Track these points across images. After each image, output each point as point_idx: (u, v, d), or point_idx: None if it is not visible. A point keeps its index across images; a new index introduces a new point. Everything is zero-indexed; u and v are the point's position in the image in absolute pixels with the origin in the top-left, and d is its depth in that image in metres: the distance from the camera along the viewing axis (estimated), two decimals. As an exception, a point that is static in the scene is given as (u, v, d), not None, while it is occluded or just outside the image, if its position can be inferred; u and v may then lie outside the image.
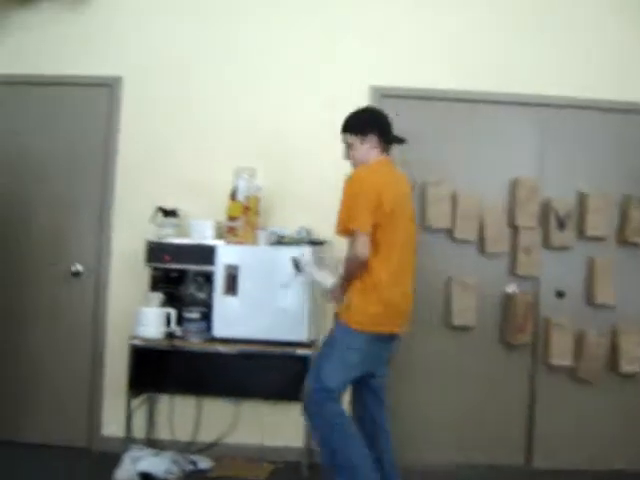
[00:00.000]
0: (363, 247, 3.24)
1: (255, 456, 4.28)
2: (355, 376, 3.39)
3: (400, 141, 3.59)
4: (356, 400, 3.59)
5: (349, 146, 3.50)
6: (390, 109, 4.29)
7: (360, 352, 3.33)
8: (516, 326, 4.32)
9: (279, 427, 4.34)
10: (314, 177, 4.36)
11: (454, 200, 4.33)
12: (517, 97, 4.39)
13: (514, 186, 4.37)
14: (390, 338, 3.47)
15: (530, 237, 4.36)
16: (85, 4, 4.53)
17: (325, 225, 4.14)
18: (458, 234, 4.32)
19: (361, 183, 3.32)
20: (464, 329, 4.36)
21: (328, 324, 4.22)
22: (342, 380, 3.35)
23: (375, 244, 3.28)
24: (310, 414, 3.35)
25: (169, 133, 4.42)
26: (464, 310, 4.33)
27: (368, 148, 3.46)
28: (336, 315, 3.46)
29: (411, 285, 3.50)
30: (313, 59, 4.46)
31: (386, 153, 3.52)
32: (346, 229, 3.31)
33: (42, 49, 4.56)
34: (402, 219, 3.39)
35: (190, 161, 4.39)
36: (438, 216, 4.32)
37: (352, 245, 3.30)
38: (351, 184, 3.34)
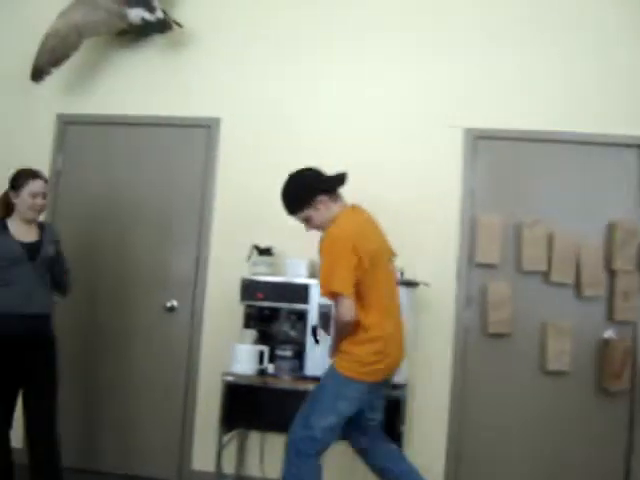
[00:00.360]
0: (349, 310, 3.14)
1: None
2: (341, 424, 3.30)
3: (342, 179, 3.46)
4: (362, 454, 3.56)
5: (307, 221, 3.38)
6: (484, 150, 4.35)
7: (353, 401, 3.25)
8: (613, 372, 4.17)
9: (368, 469, 4.28)
10: (407, 219, 4.35)
11: (550, 242, 4.25)
12: (614, 138, 4.30)
13: (611, 229, 4.26)
14: (382, 384, 3.40)
15: (628, 281, 4.23)
16: (181, 47, 4.71)
17: (419, 267, 4.20)
18: (554, 277, 4.23)
19: (335, 244, 3.20)
20: (559, 374, 4.24)
21: (421, 366, 4.24)
22: (330, 429, 3.25)
23: (361, 298, 3.20)
24: (289, 459, 3.25)
25: (265, 172, 4.49)
26: (559, 355, 4.22)
27: (324, 210, 3.34)
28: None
29: (401, 327, 3.42)
30: (408, 101, 4.48)
31: (339, 199, 3.41)
32: (329, 292, 3.19)
33: (140, 91, 4.76)
34: (381, 262, 3.31)
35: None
36: (534, 258, 4.25)
37: (337, 308, 3.19)
38: (327, 246, 3.22)
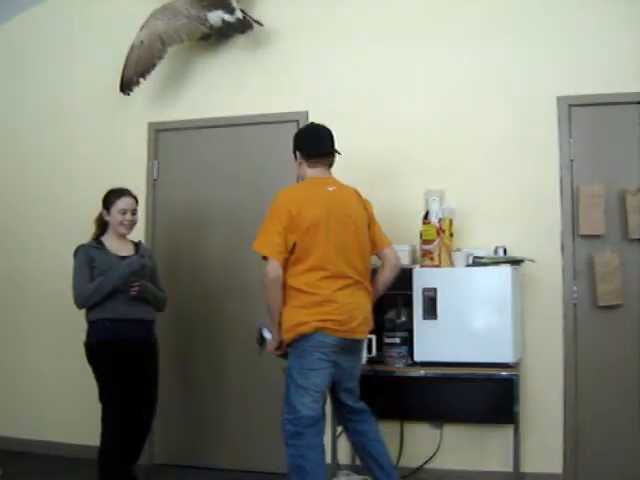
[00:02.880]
0: (272, 270, 3.32)
1: (459, 482, 4.23)
2: (321, 392, 3.34)
3: (317, 152, 3.55)
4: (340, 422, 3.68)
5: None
6: (579, 118, 4.22)
7: (316, 364, 3.31)
8: None
9: (484, 451, 4.24)
10: (505, 194, 4.29)
11: (657, 207, 4.10)
12: None
13: None
14: (343, 349, 3.39)
15: None
16: (263, 45, 4.76)
17: (521, 243, 4.13)
18: (664, 242, 4.09)
19: (273, 206, 3.42)
20: (679, 344, 4.09)
21: (530, 344, 4.16)
22: (310, 403, 3.29)
23: (299, 260, 3.32)
24: (286, 445, 3.34)
25: (356, 161, 4.48)
26: (677, 324, 4.08)
27: (300, 169, 3.60)
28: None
29: (355, 292, 3.44)
30: (498, 75, 4.40)
31: (324, 167, 3.55)
32: (256, 252, 3.40)
33: (226, 92, 4.86)
34: (328, 228, 3.37)
35: (379, 187, 4.42)
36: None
37: (264, 268, 3.35)
38: (269, 207, 3.44)
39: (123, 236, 3.96)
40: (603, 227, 4.16)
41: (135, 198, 3.98)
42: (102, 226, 3.97)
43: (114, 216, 3.89)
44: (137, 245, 4.02)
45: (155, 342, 3.99)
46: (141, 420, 3.90)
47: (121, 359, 3.73)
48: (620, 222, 4.16)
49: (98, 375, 3.76)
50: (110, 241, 3.92)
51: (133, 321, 3.79)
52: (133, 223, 3.96)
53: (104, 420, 3.72)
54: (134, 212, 3.94)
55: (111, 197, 3.92)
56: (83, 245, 3.89)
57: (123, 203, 3.90)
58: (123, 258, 3.83)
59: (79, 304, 3.79)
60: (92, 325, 3.81)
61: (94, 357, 3.77)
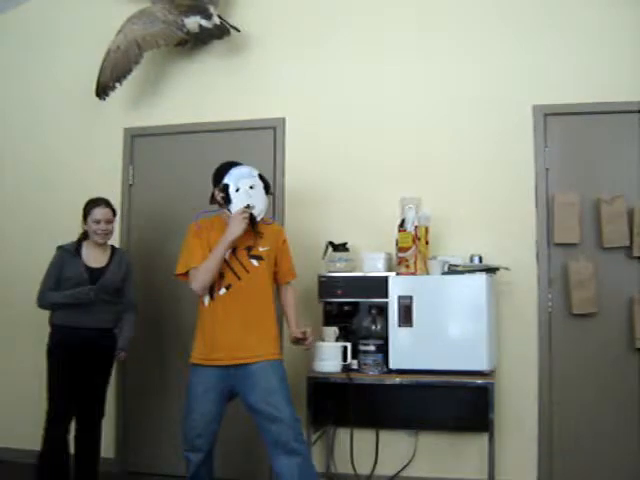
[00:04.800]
0: None
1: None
2: None
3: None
4: None
5: None
6: (555, 127, 4.25)
7: None
8: None
9: (459, 459, 4.24)
10: (481, 202, 4.31)
11: (630, 216, 4.12)
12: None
13: (694, 198, 4.12)
14: None
15: None
16: (240, 51, 4.74)
17: (496, 251, 4.15)
18: (637, 251, 4.10)
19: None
20: (649, 351, 4.13)
21: (505, 352, 4.17)
22: None
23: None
24: (305, 451, 3.52)
25: (332, 169, 4.52)
26: (648, 331, 4.11)
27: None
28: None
29: None
30: (474, 83, 4.41)
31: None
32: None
33: (202, 98, 4.82)
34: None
35: (355, 195, 4.45)
36: (614, 234, 4.12)
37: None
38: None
39: (100, 244, 4.07)
40: (578, 236, 4.18)
41: (111, 208, 4.08)
42: (85, 233, 4.10)
43: (89, 225, 4.02)
44: (113, 253, 4.12)
45: (108, 349, 4.08)
46: (90, 419, 4.04)
47: (68, 363, 3.91)
48: (595, 231, 4.19)
49: (47, 375, 3.96)
50: (88, 247, 4.06)
51: (88, 329, 3.95)
52: (107, 232, 4.06)
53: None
54: (109, 221, 4.04)
55: (87, 207, 4.04)
56: (62, 247, 4.07)
57: (97, 213, 4.01)
58: (92, 270, 3.98)
59: (37, 305, 4.02)
60: (51, 328, 4.02)
61: (48, 359, 3.98)
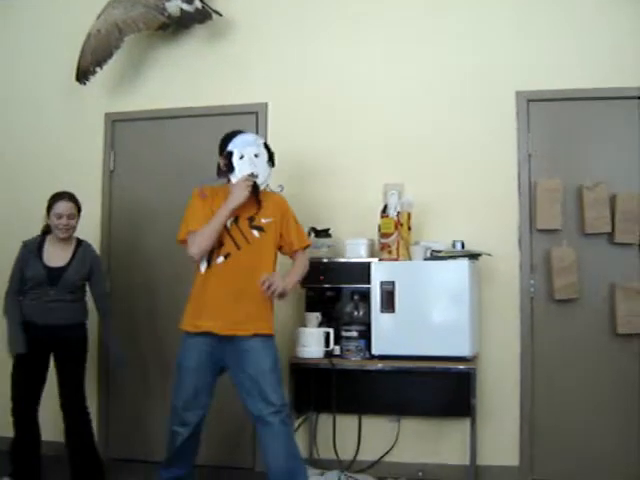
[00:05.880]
0: None
1: (417, 474, 4.22)
2: None
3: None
4: None
5: None
6: (537, 112, 4.25)
7: None
8: (688, 332, 4.08)
9: (441, 444, 4.26)
10: (464, 188, 4.31)
11: (612, 202, 4.14)
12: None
13: (676, 184, 4.14)
14: None
15: (696, 237, 4.11)
16: (222, 36, 4.70)
17: (479, 237, 4.15)
18: (619, 238, 4.12)
19: None
20: (631, 337, 4.13)
21: (487, 337, 4.19)
22: None
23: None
24: (290, 432, 3.53)
25: (315, 154, 4.49)
26: (629, 317, 4.12)
27: None
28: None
29: None
30: (457, 70, 4.40)
31: None
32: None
33: (184, 83, 4.77)
34: None
35: (338, 180, 4.44)
36: (596, 220, 4.13)
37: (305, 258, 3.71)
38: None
39: (63, 239, 3.98)
40: (560, 222, 4.19)
41: (75, 202, 3.99)
42: (49, 225, 4.03)
43: (52, 220, 3.94)
44: (77, 248, 4.03)
45: (76, 339, 4.01)
46: (70, 407, 4.00)
47: (31, 352, 3.87)
48: (577, 217, 4.20)
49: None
50: (51, 243, 4.00)
51: (52, 327, 3.90)
52: (69, 227, 3.96)
53: None
54: (71, 217, 3.95)
55: (50, 201, 3.96)
56: (25, 244, 4.02)
57: (59, 207, 3.92)
58: (52, 269, 3.91)
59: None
60: None
61: None
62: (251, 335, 3.40)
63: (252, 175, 3.43)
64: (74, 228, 4.00)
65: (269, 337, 3.48)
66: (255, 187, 3.43)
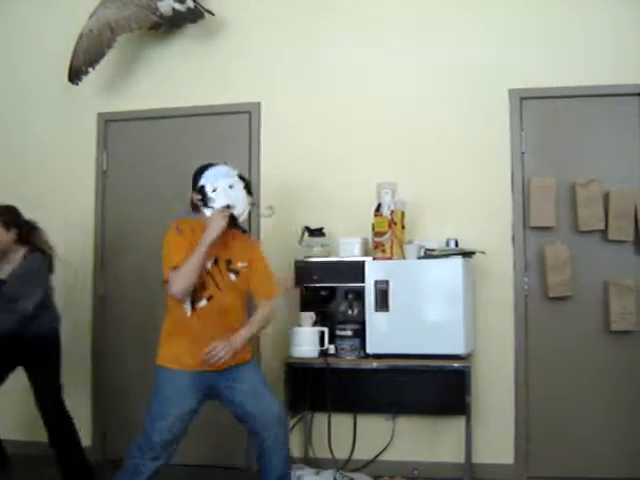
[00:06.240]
0: None
1: (412, 473, 4.22)
2: None
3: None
4: None
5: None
6: (530, 110, 4.25)
7: None
8: (681, 328, 4.09)
9: (437, 443, 4.26)
10: (457, 186, 4.32)
11: (606, 200, 4.14)
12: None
13: (669, 181, 4.15)
14: None
15: (689, 233, 4.12)
16: (214, 35, 4.69)
17: (472, 235, 4.15)
18: (612, 235, 4.13)
19: None
20: (624, 334, 4.14)
21: (482, 335, 4.19)
22: None
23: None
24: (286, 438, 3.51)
25: (308, 153, 4.50)
26: (623, 314, 4.13)
27: None
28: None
29: None
30: (450, 68, 4.40)
31: None
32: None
33: (177, 83, 4.76)
34: None
35: (331, 179, 4.44)
36: (590, 218, 4.14)
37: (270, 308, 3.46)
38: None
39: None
40: (554, 219, 4.20)
41: (3, 223, 3.86)
42: None
43: None
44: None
45: (24, 348, 3.89)
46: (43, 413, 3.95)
47: None
48: (570, 214, 4.21)
49: None
50: None
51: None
52: None
53: None
54: None
55: None
56: None
57: None
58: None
59: None
60: None
61: None
62: (243, 363, 3.34)
63: (228, 207, 3.29)
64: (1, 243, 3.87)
65: (252, 360, 3.45)
66: (232, 218, 3.30)
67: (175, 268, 3.21)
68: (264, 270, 3.47)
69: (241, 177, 3.41)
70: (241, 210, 3.35)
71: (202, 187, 3.34)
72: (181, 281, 3.19)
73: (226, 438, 4.55)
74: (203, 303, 3.27)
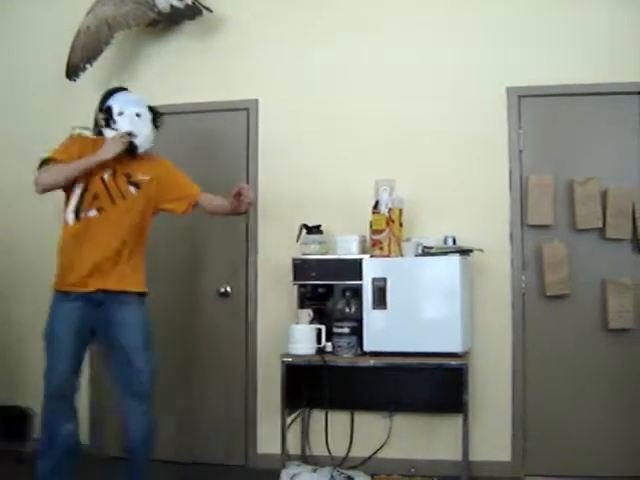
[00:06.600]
0: None
1: (409, 471, 4.21)
2: None
3: None
4: None
5: None
6: (528, 108, 4.26)
7: None
8: (679, 326, 4.09)
9: (434, 440, 4.27)
10: (455, 184, 4.32)
11: (603, 198, 4.14)
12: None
13: (667, 179, 4.14)
14: None
15: (687, 231, 4.12)
16: (212, 32, 4.69)
17: (470, 233, 4.15)
18: (610, 233, 4.13)
19: None
20: (622, 332, 4.14)
21: (479, 333, 4.19)
22: None
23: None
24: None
25: (306, 150, 4.50)
26: (621, 312, 4.13)
27: None
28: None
29: None
30: (449, 65, 4.40)
31: None
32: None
33: (175, 80, 4.74)
34: None
35: (329, 177, 4.44)
36: (588, 216, 4.14)
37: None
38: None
39: None
40: (551, 217, 4.20)
41: None
42: None
43: None
44: None
45: None
46: None
47: None
48: (568, 212, 4.21)
49: None
50: None
51: None
52: None
53: None
54: None
55: None
56: None
57: None
58: None
59: None
60: None
61: None
62: (128, 295, 3.28)
63: (130, 134, 3.24)
64: None
65: (143, 295, 3.37)
66: (132, 146, 3.25)
67: (50, 161, 3.19)
68: (182, 177, 3.52)
69: (151, 109, 3.37)
70: (142, 140, 3.30)
71: (109, 107, 3.29)
72: (53, 175, 3.16)
73: (223, 435, 4.56)
74: (92, 213, 3.21)
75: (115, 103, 3.30)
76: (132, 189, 3.28)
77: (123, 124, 3.26)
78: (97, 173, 3.24)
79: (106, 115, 3.29)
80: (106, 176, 3.22)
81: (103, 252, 3.22)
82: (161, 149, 4.65)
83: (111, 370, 3.35)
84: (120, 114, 3.27)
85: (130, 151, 3.26)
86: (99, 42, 4.49)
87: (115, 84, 4.71)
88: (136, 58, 4.80)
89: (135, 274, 3.36)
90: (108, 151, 3.17)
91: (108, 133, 3.27)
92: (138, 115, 3.31)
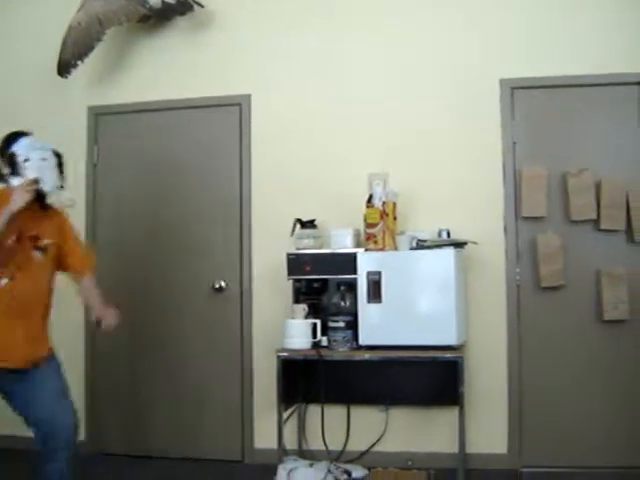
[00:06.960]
0: None
1: (406, 464, 4.21)
2: None
3: None
4: None
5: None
6: (521, 100, 4.26)
7: None
8: (674, 317, 4.09)
9: (430, 433, 4.27)
10: (449, 177, 4.31)
11: (597, 189, 4.14)
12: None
13: (660, 170, 4.14)
14: None
15: (681, 221, 4.12)
16: (204, 27, 4.68)
17: (464, 226, 4.15)
18: (604, 224, 4.13)
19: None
20: (617, 323, 4.14)
21: (474, 326, 4.19)
22: None
23: None
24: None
25: (299, 145, 4.49)
26: (615, 303, 4.13)
27: None
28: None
29: None
30: (442, 58, 4.39)
31: None
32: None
33: (167, 75, 4.75)
34: None
35: (322, 171, 4.44)
36: (582, 207, 4.14)
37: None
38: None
39: None
40: (545, 209, 4.20)
41: None
42: None
43: None
44: None
45: None
46: None
47: None
48: (562, 204, 4.21)
49: None
50: None
51: None
52: None
53: None
54: None
55: None
56: None
57: None
58: None
59: None
60: None
61: None
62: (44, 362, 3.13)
63: (37, 181, 3.01)
64: None
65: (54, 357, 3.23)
66: (40, 195, 3.03)
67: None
68: (78, 244, 3.39)
69: (56, 153, 3.18)
70: (51, 187, 3.08)
71: (12, 154, 3.06)
72: None
73: (220, 431, 4.56)
74: (3, 282, 3.03)
75: (19, 149, 3.07)
76: (38, 254, 3.12)
77: (29, 171, 3.04)
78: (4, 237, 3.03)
79: (10, 163, 3.07)
80: (12, 241, 3.02)
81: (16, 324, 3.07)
82: (153, 146, 4.71)
83: None
84: (26, 160, 3.05)
85: (38, 199, 3.04)
86: (90, 38, 4.47)
87: (107, 81, 4.75)
88: (128, 54, 4.79)
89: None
90: (16, 202, 2.94)
91: (15, 182, 3.05)
92: (44, 160, 3.09)
